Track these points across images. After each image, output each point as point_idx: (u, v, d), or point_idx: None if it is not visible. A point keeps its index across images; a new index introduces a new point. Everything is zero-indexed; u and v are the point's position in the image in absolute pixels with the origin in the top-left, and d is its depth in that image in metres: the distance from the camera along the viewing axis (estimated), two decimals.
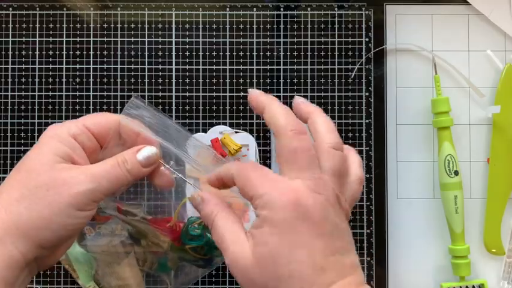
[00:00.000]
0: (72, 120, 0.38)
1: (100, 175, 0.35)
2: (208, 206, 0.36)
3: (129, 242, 0.52)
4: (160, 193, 0.52)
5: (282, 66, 0.59)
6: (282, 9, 0.60)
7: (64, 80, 0.59)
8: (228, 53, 0.59)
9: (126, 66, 0.59)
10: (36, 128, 0.59)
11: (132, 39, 0.59)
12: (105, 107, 0.59)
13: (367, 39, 0.59)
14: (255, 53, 0.59)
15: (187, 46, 0.59)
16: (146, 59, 0.59)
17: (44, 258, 0.36)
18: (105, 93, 0.59)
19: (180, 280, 0.54)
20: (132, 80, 0.59)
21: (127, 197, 0.55)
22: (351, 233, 0.35)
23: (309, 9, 0.60)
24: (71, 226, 0.35)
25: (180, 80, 0.59)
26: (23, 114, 0.59)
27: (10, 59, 0.59)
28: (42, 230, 0.34)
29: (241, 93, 0.59)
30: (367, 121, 0.59)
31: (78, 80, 0.59)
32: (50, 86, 0.59)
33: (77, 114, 0.59)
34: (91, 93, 0.59)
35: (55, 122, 0.52)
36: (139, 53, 0.59)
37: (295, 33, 0.59)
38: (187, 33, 0.59)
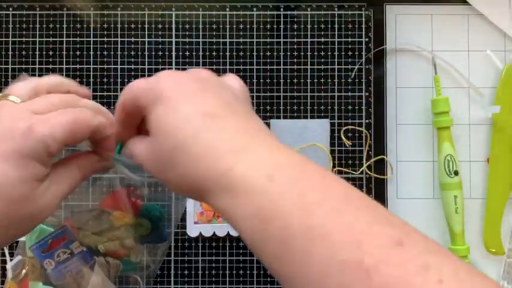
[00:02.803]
0: (55, 134, 0.33)
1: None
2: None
3: (90, 255, 0.53)
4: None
5: (282, 66, 0.59)
6: (282, 9, 0.60)
7: None
8: (228, 53, 0.59)
9: (126, 66, 0.59)
10: None
11: (132, 39, 0.59)
12: (105, 107, 0.59)
13: (367, 39, 0.59)
14: (255, 53, 0.59)
15: (187, 46, 0.59)
16: (146, 59, 0.59)
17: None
18: (105, 93, 0.59)
19: (151, 259, 0.56)
20: (132, 80, 0.59)
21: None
22: None
23: (309, 9, 0.59)
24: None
25: None
26: None
27: (10, 59, 0.59)
28: None
29: None
30: (367, 121, 0.59)
31: (78, 80, 0.59)
32: None
33: None
34: (91, 93, 0.59)
35: None
36: (139, 53, 0.59)
37: (295, 33, 0.59)
38: (187, 33, 0.59)
